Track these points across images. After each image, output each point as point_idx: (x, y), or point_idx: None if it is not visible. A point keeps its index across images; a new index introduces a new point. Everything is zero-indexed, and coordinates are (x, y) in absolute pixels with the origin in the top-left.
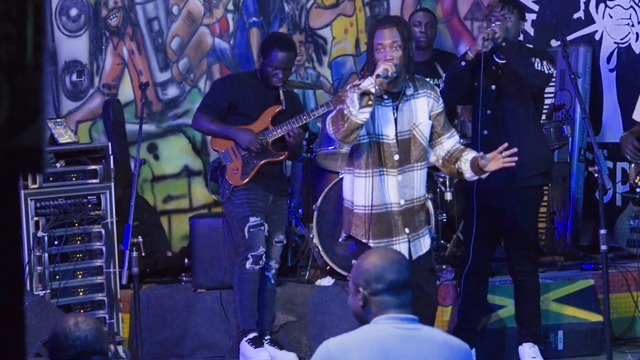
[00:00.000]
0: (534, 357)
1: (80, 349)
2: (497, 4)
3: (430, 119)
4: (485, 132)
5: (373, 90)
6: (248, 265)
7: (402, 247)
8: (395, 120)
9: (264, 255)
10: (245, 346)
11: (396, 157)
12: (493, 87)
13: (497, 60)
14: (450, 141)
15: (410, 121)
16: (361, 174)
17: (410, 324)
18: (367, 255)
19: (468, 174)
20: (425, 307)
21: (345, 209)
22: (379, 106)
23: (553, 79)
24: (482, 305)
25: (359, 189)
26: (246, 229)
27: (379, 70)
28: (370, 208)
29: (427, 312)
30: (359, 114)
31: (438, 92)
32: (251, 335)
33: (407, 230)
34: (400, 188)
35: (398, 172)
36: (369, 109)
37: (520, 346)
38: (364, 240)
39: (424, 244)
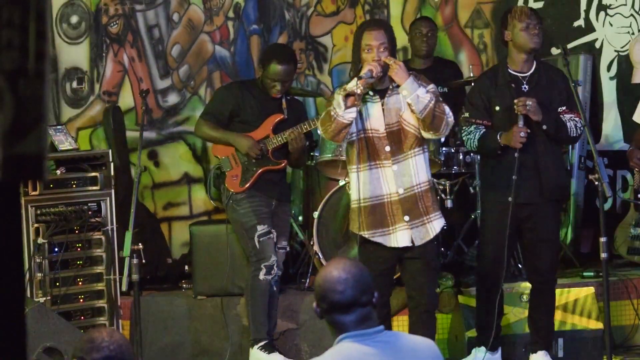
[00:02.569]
0: None
1: (114, 353)
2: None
3: None
4: (516, 154)
5: (358, 91)
6: (261, 276)
7: (399, 234)
8: (384, 114)
9: (275, 265)
10: (257, 353)
11: (387, 148)
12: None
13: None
14: None
15: (397, 113)
16: (353, 169)
17: (377, 337)
18: (320, 271)
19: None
20: (416, 307)
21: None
22: (368, 103)
23: None
24: (502, 311)
25: (353, 185)
26: (256, 239)
27: (362, 72)
28: (360, 201)
29: (417, 313)
30: (346, 114)
31: (426, 80)
32: (262, 343)
33: (406, 218)
34: (397, 177)
35: (392, 163)
36: (355, 109)
37: (534, 354)
38: (358, 233)
39: (431, 229)
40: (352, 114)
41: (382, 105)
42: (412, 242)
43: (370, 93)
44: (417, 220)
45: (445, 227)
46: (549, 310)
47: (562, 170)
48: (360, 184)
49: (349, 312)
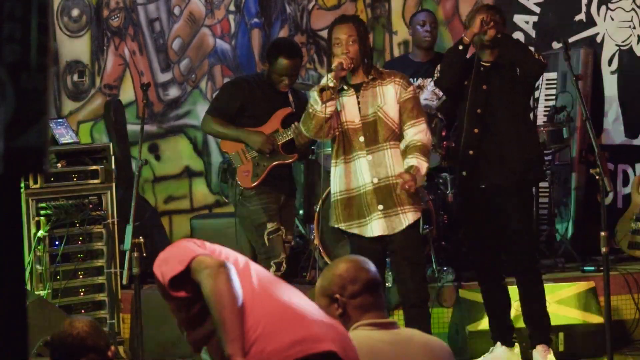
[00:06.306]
0: None
1: (77, 344)
2: (482, 9)
3: (398, 102)
4: (476, 130)
5: (331, 85)
6: (271, 273)
7: (374, 224)
8: (359, 106)
9: (284, 262)
10: None
11: (361, 138)
12: (484, 86)
13: (483, 63)
14: (411, 131)
15: (374, 104)
16: (332, 163)
17: (391, 328)
18: (334, 265)
19: None
20: (405, 302)
21: None
22: (343, 97)
23: (554, 82)
24: (508, 304)
25: (332, 179)
26: (265, 236)
27: (333, 65)
28: (337, 194)
29: (406, 308)
30: (324, 109)
31: (408, 81)
32: None
33: (380, 207)
34: (371, 167)
35: (367, 152)
36: (333, 102)
37: (534, 350)
38: (336, 226)
39: (404, 219)
40: (331, 107)
41: (358, 97)
42: (387, 231)
43: (345, 87)
44: (391, 210)
45: (446, 221)
46: (535, 300)
47: (530, 146)
48: (337, 177)
49: (376, 292)
